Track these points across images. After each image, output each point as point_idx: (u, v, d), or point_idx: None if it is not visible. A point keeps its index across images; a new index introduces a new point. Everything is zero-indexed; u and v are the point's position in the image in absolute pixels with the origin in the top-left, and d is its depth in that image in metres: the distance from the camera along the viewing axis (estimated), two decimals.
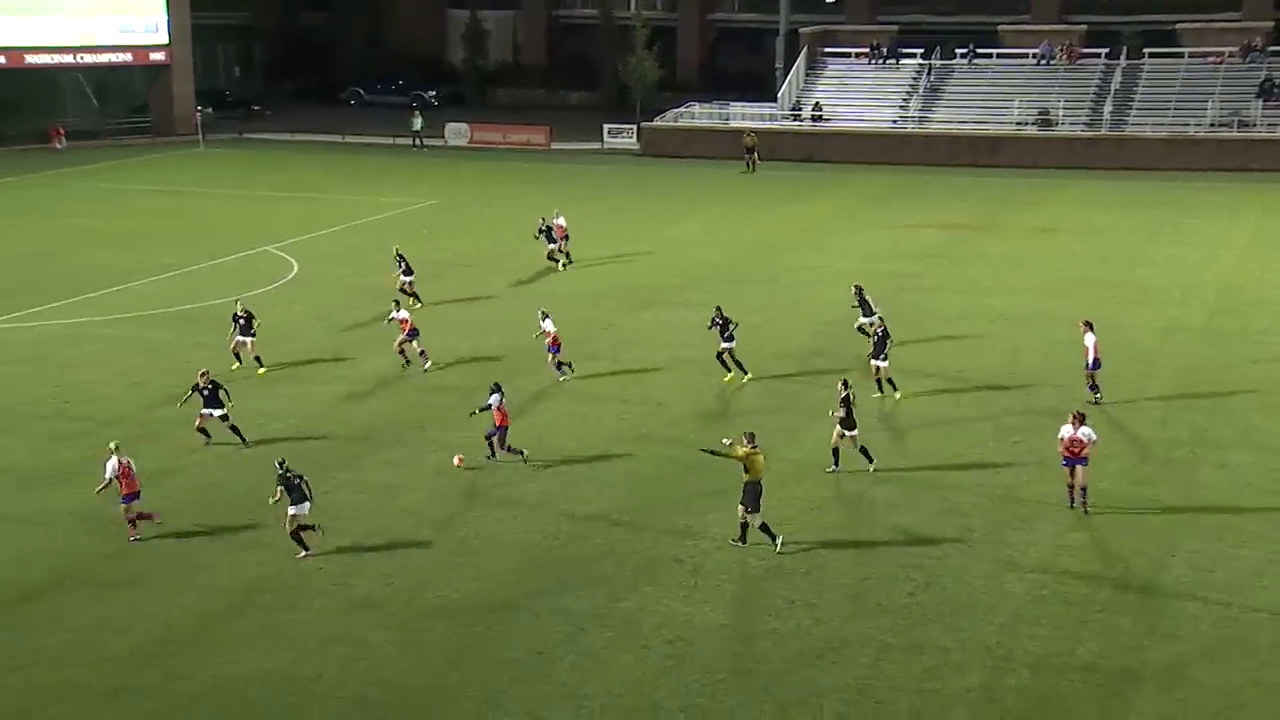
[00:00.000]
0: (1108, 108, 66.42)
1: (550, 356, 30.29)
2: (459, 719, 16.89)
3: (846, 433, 24.65)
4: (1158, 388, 30.03)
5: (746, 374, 30.30)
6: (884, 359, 29.01)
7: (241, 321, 30.91)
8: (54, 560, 21.21)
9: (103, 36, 72.99)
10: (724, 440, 22.16)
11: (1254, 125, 63.61)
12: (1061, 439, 22.74)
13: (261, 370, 30.86)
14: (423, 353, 31.32)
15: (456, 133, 75.08)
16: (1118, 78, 68.29)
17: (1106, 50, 70.11)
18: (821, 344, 33.24)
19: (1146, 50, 69.34)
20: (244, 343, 30.88)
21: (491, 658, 18.23)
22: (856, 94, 71.67)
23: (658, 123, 71.59)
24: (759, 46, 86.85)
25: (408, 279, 36.63)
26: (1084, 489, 22.76)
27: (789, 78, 71.87)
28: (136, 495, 21.79)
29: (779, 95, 71.30)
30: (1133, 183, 59.00)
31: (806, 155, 66.81)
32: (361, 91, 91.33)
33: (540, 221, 42.57)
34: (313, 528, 21.45)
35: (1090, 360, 28.47)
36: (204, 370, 26.36)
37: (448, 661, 18.15)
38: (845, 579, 20.62)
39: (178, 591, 20.09)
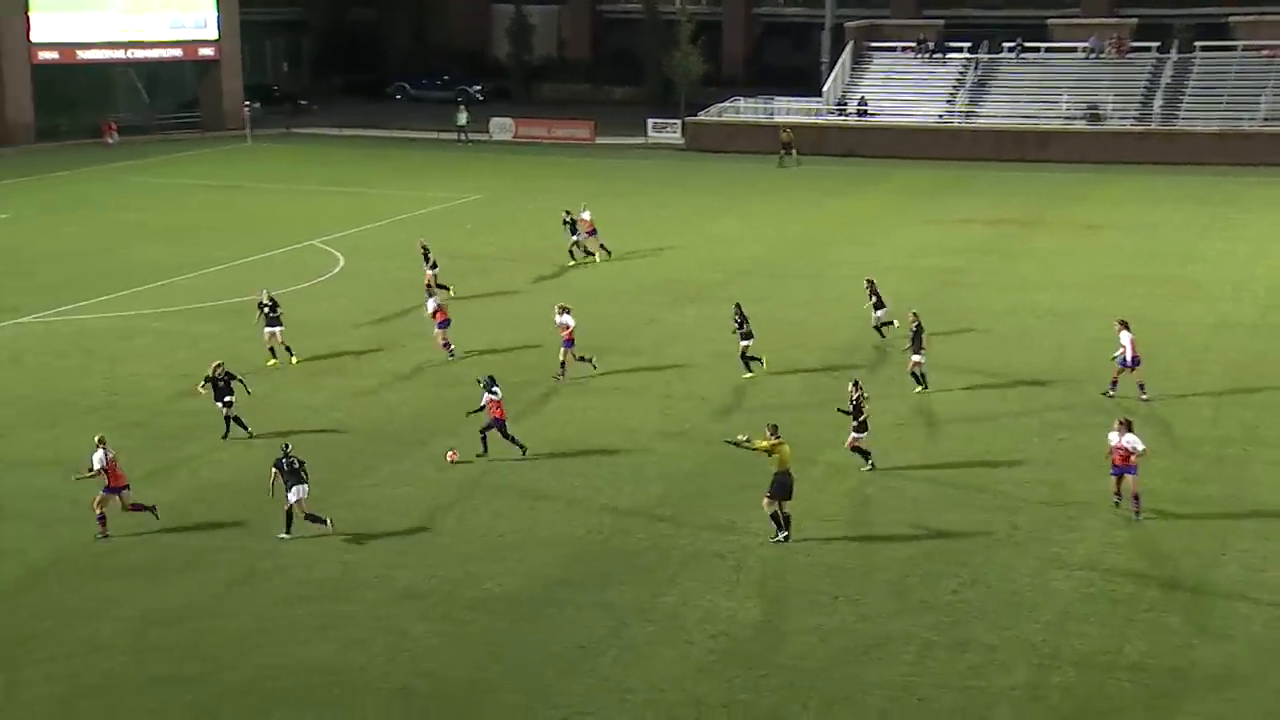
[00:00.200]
0: (1158, 102, 65.68)
1: (563, 350, 30.16)
2: (502, 712, 16.92)
3: (855, 434, 24.49)
4: (1209, 384, 29.67)
5: (763, 364, 30.34)
6: (921, 353, 28.83)
7: (267, 310, 31.11)
8: (101, 550, 21.42)
9: (153, 32, 73.68)
10: (739, 436, 22.16)
11: None
12: (1111, 446, 22.43)
13: (294, 360, 31.05)
14: (447, 344, 31.53)
15: (501, 127, 75.26)
16: (1169, 71, 67.49)
17: (1157, 44, 69.29)
18: (865, 339, 33.04)
19: (1198, 43, 68.48)
20: (272, 333, 31.09)
21: (534, 651, 18.26)
22: (902, 89, 71.21)
23: (702, 117, 71.43)
24: (804, 41, 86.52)
25: (432, 272, 36.75)
26: (1135, 497, 22.31)
27: (834, 72, 71.52)
28: (125, 487, 21.87)
29: (824, 90, 70.96)
30: (1183, 178, 58.32)
31: (848, 150, 66.47)
32: (407, 86, 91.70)
33: (565, 215, 42.57)
34: (322, 521, 21.58)
35: (1129, 358, 28.18)
36: (219, 362, 26.55)
37: (490, 654, 18.19)
38: (888, 575, 20.51)
39: (223, 583, 20.24)
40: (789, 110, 71.11)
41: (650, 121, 73.66)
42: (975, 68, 71.00)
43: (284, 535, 21.65)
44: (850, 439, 24.55)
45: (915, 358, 29.03)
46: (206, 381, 26.18)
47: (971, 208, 52.57)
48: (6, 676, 17.46)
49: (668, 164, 65.92)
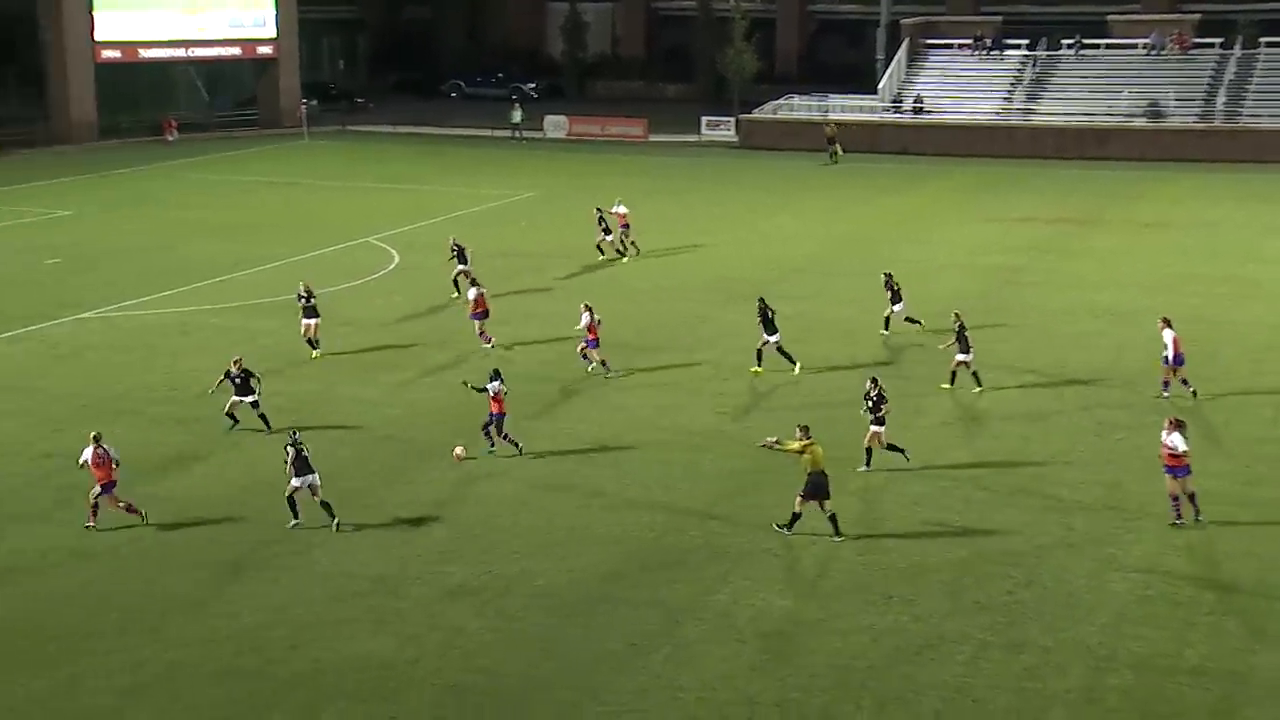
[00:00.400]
0: (1221, 98, 64.81)
1: (583, 347, 30.16)
2: (554, 709, 16.97)
3: (875, 429, 24.35)
4: (1270, 384, 29.24)
5: (760, 367, 30.18)
6: (968, 352, 28.71)
7: (304, 302, 31.38)
8: (163, 543, 21.70)
9: (213, 31, 74.57)
10: (770, 438, 22.14)
11: None
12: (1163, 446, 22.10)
13: (315, 354, 31.35)
14: (482, 333, 31.97)
15: (555, 125, 75.48)
16: (1232, 68, 66.57)
17: (1220, 40, 68.35)
18: (919, 338, 32.84)
19: (1263, 39, 67.47)
20: (308, 324, 31.35)
21: (587, 648, 18.30)
22: (959, 86, 70.73)
23: (756, 115, 71.29)
24: (859, 38, 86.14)
25: (462, 268, 36.93)
26: (1191, 496, 21.94)
27: (890, 70, 71.14)
28: (113, 485, 22.01)
29: (879, 87, 70.61)
30: (1246, 176, 57.51)
31: (902, 148, 66.09)
32: (462, 84, 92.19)
33: (597, 212, 42.60)
34: (330, 512, 21.81)
35: (1172, 356, 27.88)
36: (237, 357, 26.76)
37: (543, 651, 18.25)
38: (943, 576, 20.37)
39: (280, 577, 20.43)
40: (843, 108, 70.87)
41: (704, 119, 73.62)
42: (1033, 65, 70.38)
43: (293, 522, 22.00)
44: (870, 433, 24.33)
45: (960, 357, 28.88)
46: (226, 378, 26.43)
47: (1030, 206, 52.12)
48: (72, 668, 17.72)
49: (721, 161, 65.82)
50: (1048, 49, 71.06)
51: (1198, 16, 71.44)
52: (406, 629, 18.77)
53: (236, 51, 76.34)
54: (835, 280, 39.75)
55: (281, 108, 76.75)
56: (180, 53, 74.66)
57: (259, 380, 26.71)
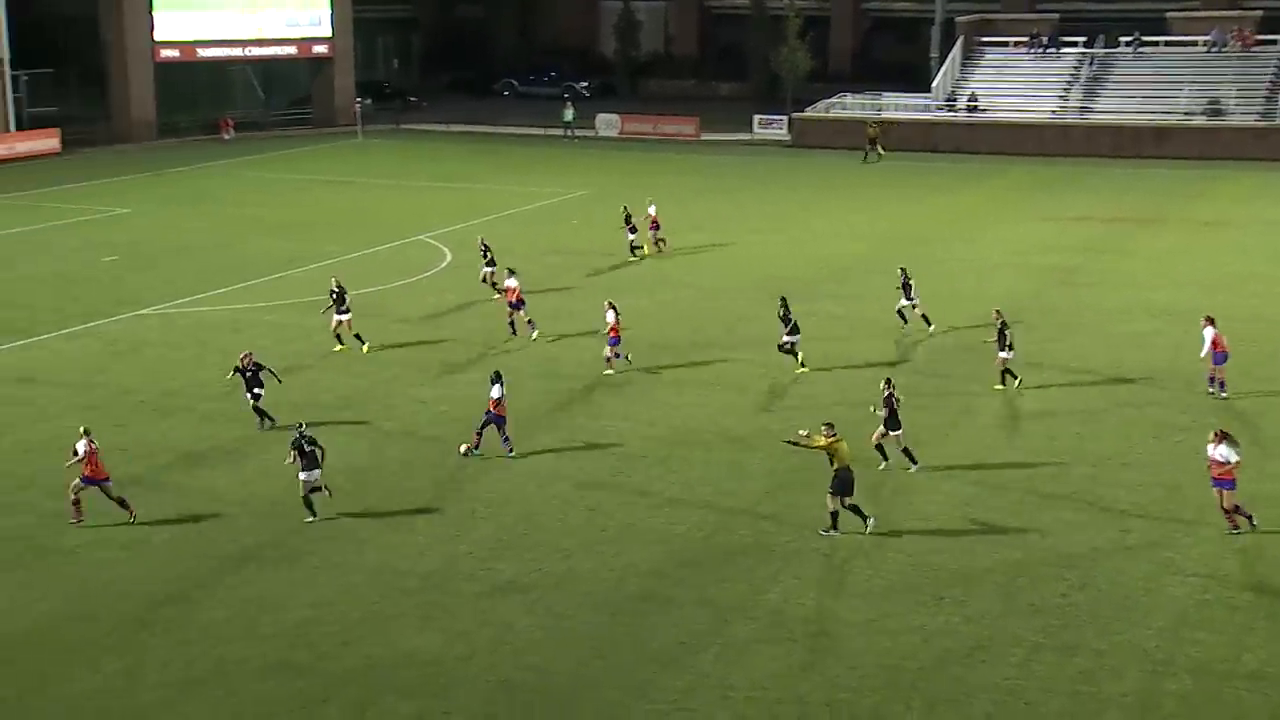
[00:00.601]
0: None
1: (609, 348, 30.15)
2: (604, 707, 16.96)
3: (890, 432, 24.13)
4: None
5: (798, 360, 30.30)
6: (1009, 350, 28.49)
7: (335, 296, 31.60)
8: (215, 538, 21.89)
9: (270, 30, 75.26)
10: (801, 432, 22.09)
11: None
12: (1209, 459, 21.65)
13: (365, 348, 31.71)
14: (530, 321, 32.60)
15: (607, 123, 75.56)
16: None
17: None
18: (971, 339, 32.54)
19: None
20: (340, 320, 31.62)
21: (636, 646, 18.27)
22: (1014, 84, 70.14)
23: (808, 113, 71.02)
24: (913, 36, 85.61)
25: (489, 269, 37.00)
26: (1228, 511, 21.42)
27: (944, 68, 70.64)
28: (104, 479, 22.13)
29: (933, 86, 70.13)
30: None
31: (956, 146, 65.60)
32: (515, 83, 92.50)
33: (624, 209, 42.70)
34: (323, 489, 22.18)
35: (1212, 353, 27.63)
36: (247, 352, 26.93)
37: (592, 649, 18.24)
38: (995, 577, 20.18)
39: (330, 573, 20.55)
40: (896, 107, 70.48)
41: (756, 118, 73.46)
42: (1090, 63, 69.64)
43: (310, 519, 22.15)
44: (877, 433, 24.15)
45: (1002, 354, 28.65)
46: (235, 372, 26.62)
47: (1086, 205, 51.58)
48: (130, 660, 17.91)
49: (773, 160, 65.63)
50: (1105, 46, 70.26)
51: (1260, 13, 70.37)
52: (456, 625, 18.82)
53: (292, 51, 76.99)
54: (887, 280, 39.44)
55: (336, 106, 77.34)
56: (237, 52, 75.39)
57: (273, 374, 26.91)
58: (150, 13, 71.02)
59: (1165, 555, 20.85)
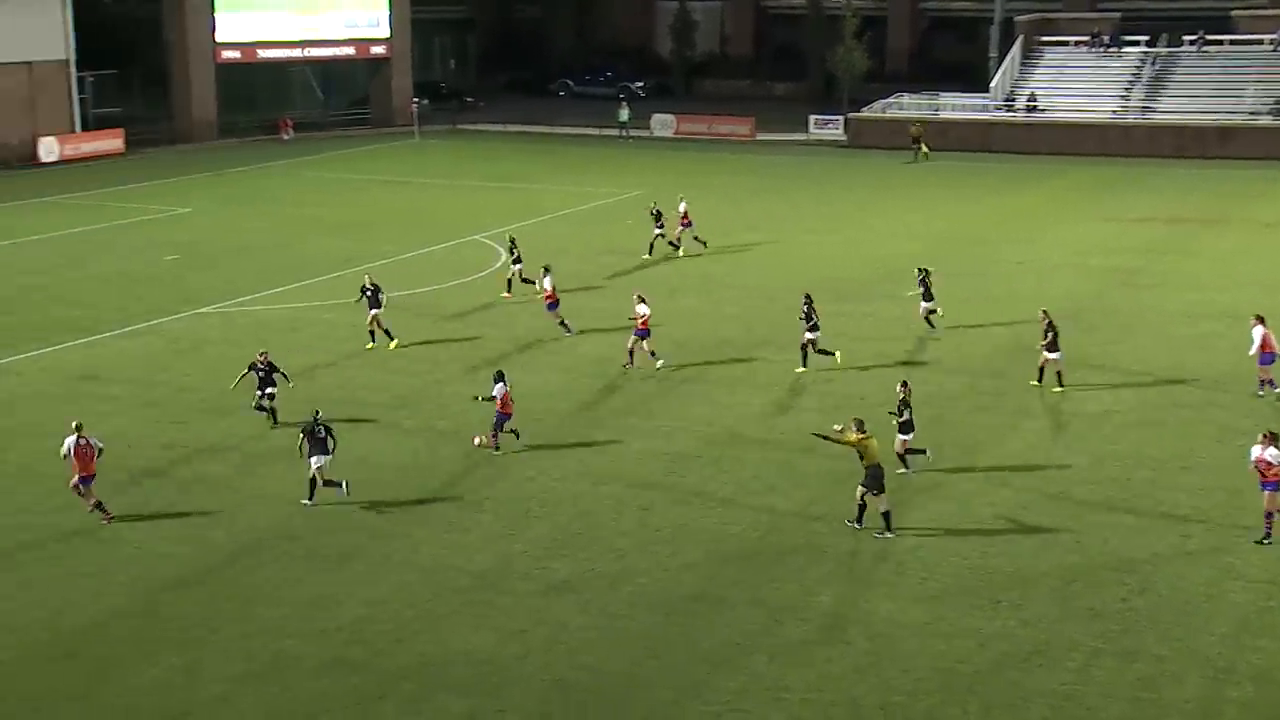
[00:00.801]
0: None
1: (634, 339, 30.15)
2: (658, 707, 16.95)
3: (901, 436, 23.91)
4: None
5: (835, 359, 30.32)
6: (1057, 351, 28.21)
7: (369, 294, 31.85)
8: (271, 536, 22.10)
9: (328, 31, 75.93)
10: (835, 426, 22.03)
11: None
12: (1252, 460, 21.28)
13: (390, 344, 31.85)
14: (563, 322, 32.81)
15: (662, 124, 75.57)
16: None
17: None
18: (1030, 339, 32.21)
19: None
20: (373, 315, 31.89)
21: (689, 647, 18.25)
22: (1075, 84, 69.42)
23: (865, 113, 70.65)
24: (972, 35, 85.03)
25: (517, 267, 37.17)
26: (1269, 515, 20.99)
27: (1003, 67, 70.05)
28: (91, 477, 22.22)
29: (991, 86, 69.57)
30: None
31: (1014, 147, 65.01)
32: (570, 83, 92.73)
33: (652, 205, 42.73)
34: (339, 485, 22.44)
35: (1260, 352, 27.29)
36: (263, 351, 27.17)
37: (646, 649, 18.24)
38: (1053, 581, 19.97)
39: (385, 570, 20.68)
40: (953, 107, 69.99)
41: (812, 118, 73.19)
42: (1153, 62, 68.77)
43: (306, 502, 22.67)
44: (898, 442, 23.95)
45: (1050, 355, 28.37)
46: (250, 370, 26.87)
47: (1149, 205, 50.98)
48: (191, 655, 18.11)
49: (829, 160, 65.36)
50: (1168, 45, 69.37)
51: None
52: (510, 624, 18.88)
53: (351, 52, 77.63)
54: (945, 280, 39.16)
55: (394, 107, 77.90)
56: (296, 53, 76.13)
57: (284, 376, 27.13)
58: (212, 14, 71.84)
59: (1227, 561, 20.54)
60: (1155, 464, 24.62)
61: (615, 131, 73.09)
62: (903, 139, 65.73)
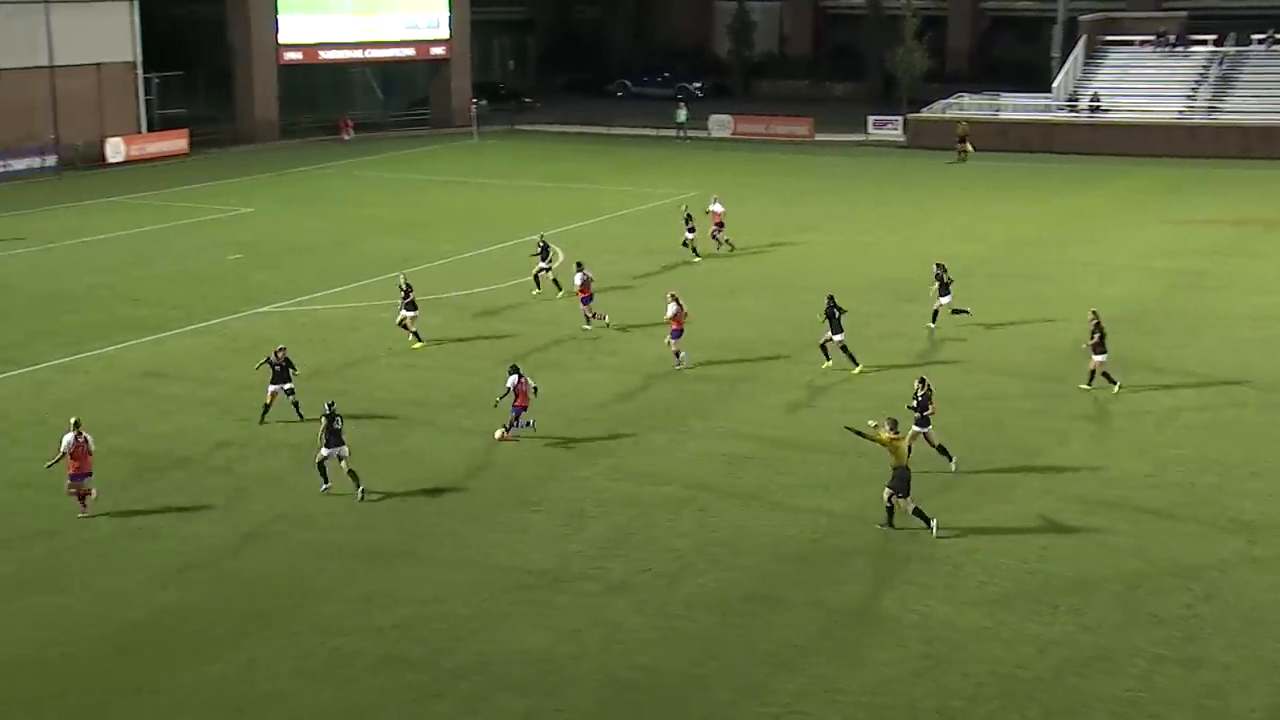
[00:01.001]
0: None
1: (671, 341, 30.26)
2: (715, 708, 16.90)
3: (919, 429, 23.71)
4: None
5: (830, 362, 30.27)
6: (1104, 353, 28.00)
7: (403, 295, 32.26)
8: (328, 533, 22.26)
9: (389, 32, 76.43)
10: (870, 421, 22.01)
11: None
12: None
13: (418, 345, 32.32)
14: (598, 315, 33.47)
15: (720, 124, 75.42)
16: None
17: None
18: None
19: None
20: (406, 316, 32.28)
21: (747, 648, 18.18)
22: (1139, 84, 68.54)
23: (924, 114, 70.15)
24: (1034, 35, 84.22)
25: (544, 265, 37.30)
26: None
27: (1065, 67, 69.30)
28: (88, 474, 22.43)
29: (1054, 86, 68.84)
30: None
31: (1077, 148, 64.30)
32: (628, 83, 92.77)
33: (684, 208, 42.65)
34: (355, 480, 23.08)
35: None
36: (282, 347, 27.53)
37: (704, 649, 18.19)
38: (1115, 587, 19.71)
39: (443, 568, 20.77)
40: (1014, 107, 69.33)
41: (871, 118, 72.75)
42: (1220, 62, 67.72)
43: (326, 487, 23.30)
44: (912, 433, 23.77)
45: (1096, 357, 28.07)
46: (266, 362, 27.19)
47: (1213, 207, 50.22)
48: (246, 651, 18.28)
49: (887, 161, 64.96)
50: (1236, 45, 68.30)
51: None
52: (567, 623, 18.89)
53: (410, 53, 78.08)
54: (1005, 282, 38.86)
55: (453, 107, 78.29)
56: (357, 54, 76.71)
57: (294, 370, 27.40)
58: (275, 16, 72.55)
59: None
60: (1221, 469, 24.24)
61: (672, 132, 73.05)
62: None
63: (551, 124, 79.38)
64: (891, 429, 21.57)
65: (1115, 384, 28.29)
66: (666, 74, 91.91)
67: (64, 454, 22.41)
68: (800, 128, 73.62)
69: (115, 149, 65.00)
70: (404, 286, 32.56)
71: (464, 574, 20.54)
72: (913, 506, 21.42)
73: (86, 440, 22.53)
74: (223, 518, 22.77)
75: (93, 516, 22.57)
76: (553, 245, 38.16)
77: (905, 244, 44.73)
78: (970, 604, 19.31)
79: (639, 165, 64.26)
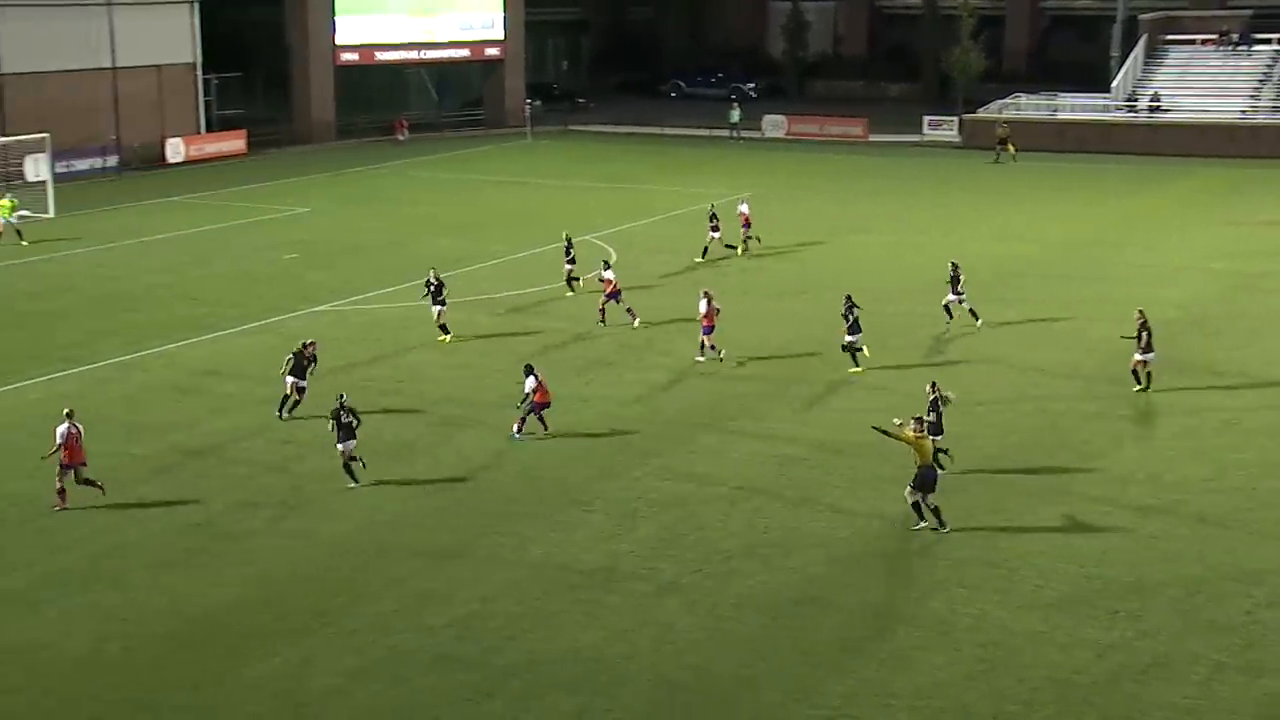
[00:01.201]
0: None
1: (704, 337, 30.55)
2: (764, 709, 16.84)
3: (933, 437, 23.31)
4: None
5: (863, 358, 30.24)
6: (1150, 352, 27.71)
7: (433, 289, 32.54)
8: (384, 531, 22.40)
9: (444, 33, 76.83)
10: (895, 420, 21.98)
11: None
12: None
13: (444, 339, 32.90)
14: (629, 310, 33.76)
15: (773, 125, 75.21)
16: None
17: None
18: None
19: None
20: (435, 311, 32.75)
21: (798, 650, 18.11)
22: (1200, 84, 67.61)
23: (981, 114, 69.58)
24: (1093, 34, 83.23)
25: (570, 266, 37.41)
26: None
27: (1125, 67, 68.50)
28: (82, 464, 22.60)
29: (1113, 86, 68.05)
30: None
31: (1136, 148, 63.57)
32: (682, 84, 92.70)
33: (710, 208, 42.65)
34: (358, 459, 23.52)
35: None
36: (312, 340, 28.08)
37: (754, 651, 18.14)
38: (1173, 592, 19.45)
39: (495, 568, 20.84)
40: (1073, 107, 68.64)
41: (926, 119, 72.27)
42: None
43: (352, 485, 23.71)
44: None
45: (1138, 356, 27.89)
46: (293, 355, 27.55)
47: (1276, 208, 49.43)
48: (304, 648, 18.42)
49: (942, 161, 64.51)
50: None
51: None
52: (618, 624, 18.90)
53: (465, 53, 78.46)
54: (1060, 284, 38.49)
55: (507, 108, 78.60)
56: (412, 55, 77.17)
57: (314, 369, 27.87)
58: (332, 17, 73.14)
59: None
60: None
61: (726, 133, 72.92)
62: (1018, 140, 64.56)
63: (605, 124, 79.47)
64: (916, 427, 21.44)
65: (1143, 385, 27.92)
66: (720, 74, 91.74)
67: (60, 445, 22.63)
68: (855, 128, 73.25)
69: (175, 149, 65.79)
70: (434, 281, 32.85)
71: (516, 573, 20.60)
72: (933, 505, 21.33)
73: (79, 431, 22.76)
74: (280, 515, 22.97)
75: (69, 509, 22.68)
76: (575, 245, 38.32)
77: (960, 245, 44.30)
78: (1026, 608, 19.12)
79: (692, 166, 64.20)
